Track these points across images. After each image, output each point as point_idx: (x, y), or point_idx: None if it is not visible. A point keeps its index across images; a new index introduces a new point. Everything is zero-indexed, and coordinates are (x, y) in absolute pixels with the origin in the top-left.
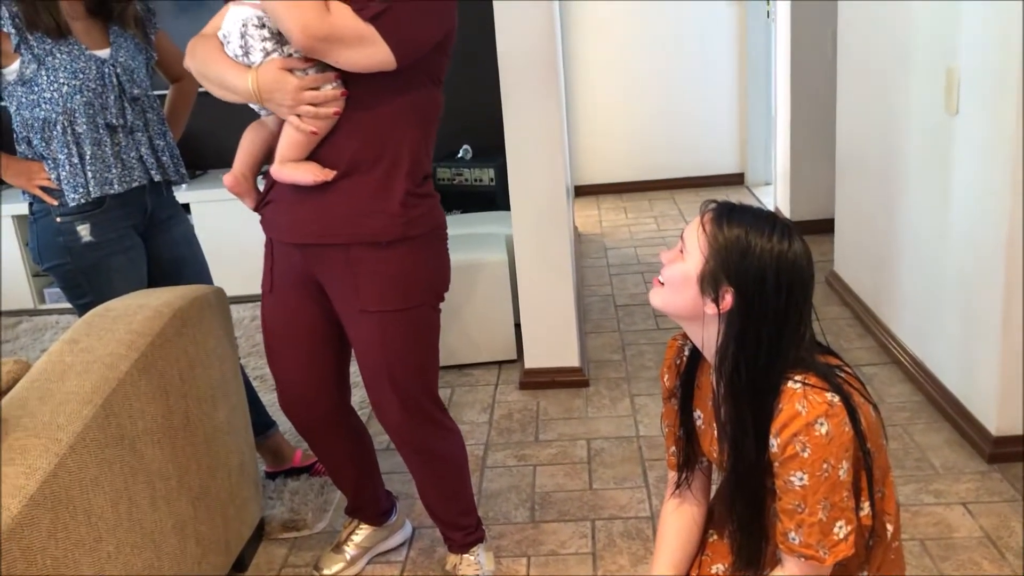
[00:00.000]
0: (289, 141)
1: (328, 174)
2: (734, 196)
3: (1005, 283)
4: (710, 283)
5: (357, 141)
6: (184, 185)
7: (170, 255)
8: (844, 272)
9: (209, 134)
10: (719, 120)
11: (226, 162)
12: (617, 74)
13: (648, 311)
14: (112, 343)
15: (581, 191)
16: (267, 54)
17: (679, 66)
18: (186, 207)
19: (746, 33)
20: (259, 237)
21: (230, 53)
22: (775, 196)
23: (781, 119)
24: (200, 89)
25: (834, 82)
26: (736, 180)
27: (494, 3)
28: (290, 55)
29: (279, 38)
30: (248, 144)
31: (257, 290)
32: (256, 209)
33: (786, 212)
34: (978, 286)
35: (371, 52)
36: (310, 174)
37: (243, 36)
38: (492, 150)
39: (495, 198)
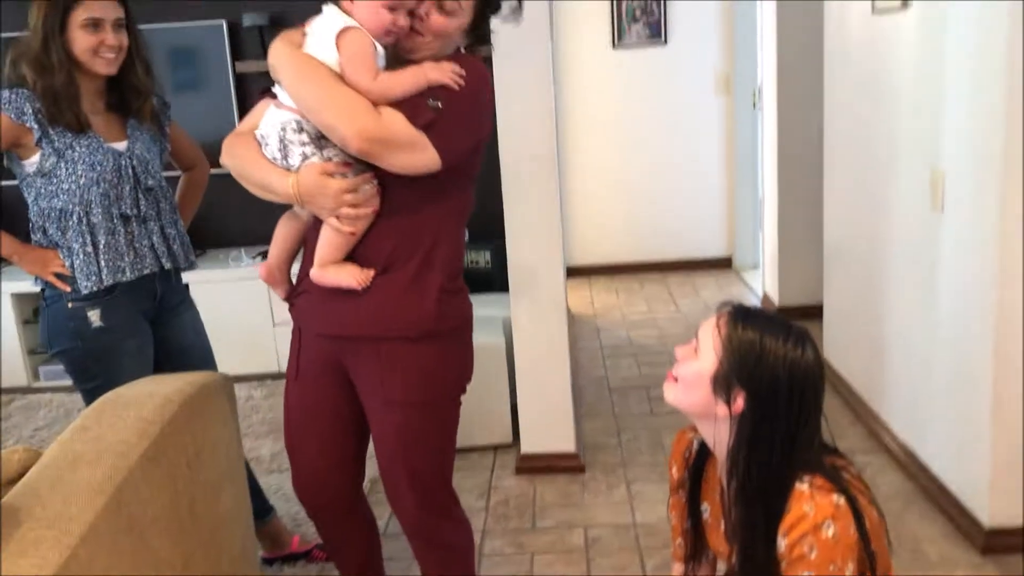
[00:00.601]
0: (329, 243)
1: (368, 277)
2: (722, 280)
3: (994, 377)
4: (723, 385)
5: (394, 239)
6: None
7: (177, 341)
8: (834, 359)
9: (207, 215)
10: (708, 205)
11: (224, 242)
12: (610, 158)
13: (642, 395)
14: (123, 431)
15: (573, 272)
16: (305, 158)
17: (669, 152)
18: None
19: (734, 121)
20: (255, 318)
21: (268, 155)
22: (763, 281)
23: (769, 205)
24: (213, 171)
25: (820, 170)
26: (724, 264)
27: (497, 100)
28: (329, 159)
29: (318, 142)
30: (282, 236)
31: (254, 370)
32: (287, 299)
33: (774, 297)
34: (968, 378)
35: (420, 157)
36: (352, 278)
37: (282, 140)
38: (488, 232)
39: (492, 280)
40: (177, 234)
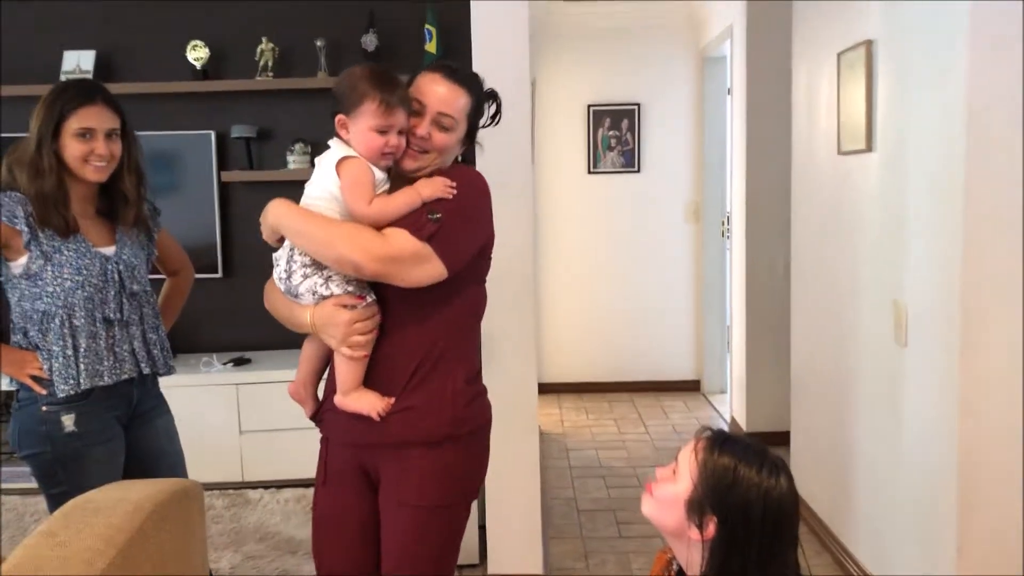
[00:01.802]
0: (345, 369)
1: (387, 406)
2: (691, 403)
3: (959, 509)
4: (696, 510)
5: (411, 350)
6: None
7: (148, 447)
8: (800, 486)
9: (179, 319)
10: (677, 328)
11: (195, 347)
12: (582, 279)
13: (610, 518)
14: (90, 537)
15: (543, 388)
16: (306, 277)
17: (640, 275)
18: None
19: (703, 248)
20: (222, 426)
21: (275, 275)
22: (730, 405)
23: (736, 331)
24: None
25: (787, 299)
26: (693, 387)
27: None
28: (328, 277)
29: (317, 263)
30: (307, 356)
31: (217, 478)
32: (312, 417)
33: (742, 422)
34: (934, 510)
35: (428, 268)
36: (372, 408)
37: (289, 261)
38: None
39: None
40: (158, 339)
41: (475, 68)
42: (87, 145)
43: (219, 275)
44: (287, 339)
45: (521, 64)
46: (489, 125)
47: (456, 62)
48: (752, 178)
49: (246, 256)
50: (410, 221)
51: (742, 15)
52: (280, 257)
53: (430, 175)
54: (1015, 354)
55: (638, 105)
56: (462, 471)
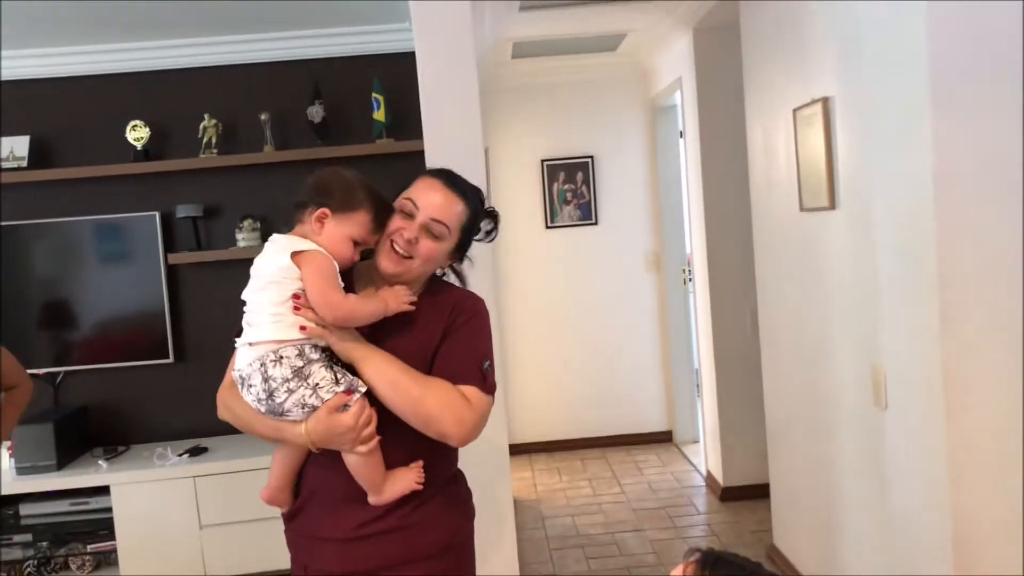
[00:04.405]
0: (362, 467)
1: (420, 472)
2: (664, 455)
3: (954, 568)
4: None
5: (413, 454)
6: (103, 464)
7: None
8: (784, 547)
9: (132, 407)
10: (645, 380)
11: (148, 436)
12: (545, 334)
13: None
14: None
15: (513, 449)
16: (291, 392)
17: (603, 327)
18: (106, 489)
19: (665, 296)
20: (180, 520)
21: (251, 397)
22: (705, 457)
23: (707, 381)
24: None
25: (756, 347)
26: (665, 438)
27: None
28: (316, 384)
29: (299, 373)
30: (280, 462)
31: (187, 572)
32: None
33: (718, 475)
34: (927, 570)
35: (488, 417)
36: (410, 483)
37: (266, 380)
38: None
39: None
40: None
41: (426, 131)
42: None
43: (170, 360)
44: None
45: (473, 125)
46: (483, 240)
47: (450, 169)
48: (711, 223)
49: (198, 339)
50: (471, 374)
51: (690, 65)
52: (249, 375)
53: (437, 290)
54: (1004, 415)
55: (591, 157)
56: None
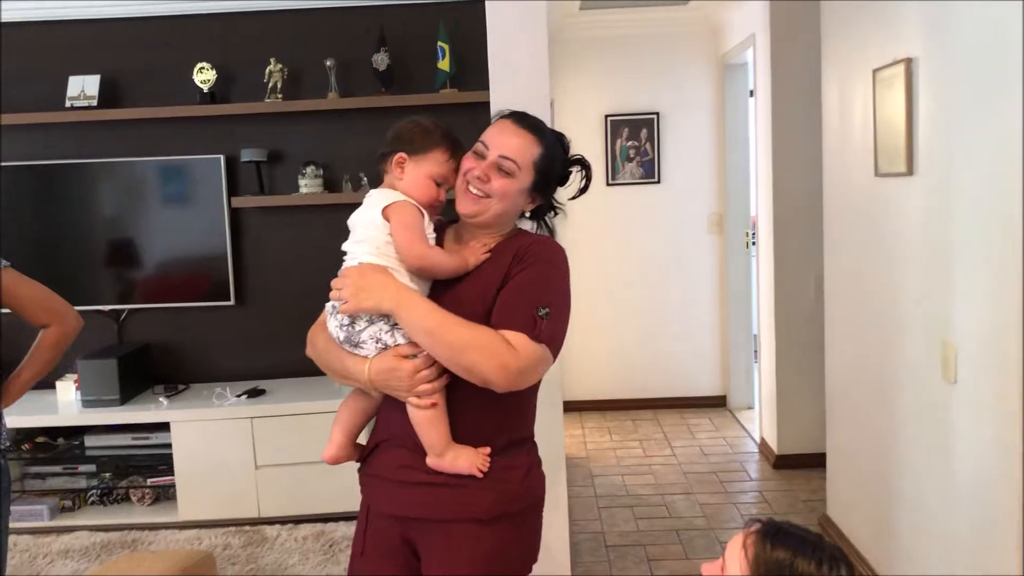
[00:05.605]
0: (423, 424)
1: (486, 462)
2: (717, 420)
3: (1022, 547)
4: None
5: (467, 419)
6: (164, 401)
7: None
8: (838, 518)
9: (191, 348)
10: (701, 343)
11: (207, 376)
12: (601, 295)
13: (641, 553)
14: None
15: (564, 407)
16: (371, 323)
17: (662, 287)
18: (166, 425)
19: (727, 259)
20: (237, 460)
21: (331, 324)
22: (759, 424)
23: (765, 346)
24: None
25: (819, 314)
26: (719, 403)
27: None
28: (395, 324)
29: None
30: (347, 415)
31: (233, 515)
32: (360, 459)
33: (772, 443)
34: (993, 549)
35: (543, 368)
36: (472, 466)
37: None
38: None
39: None
40: None
41: (492, 80)
42: None
43: (231, 303)
44: (301, 368)
45: (540, 76)
46: (576, 197)
47: (524, 111)
48: (779, 185)
49: (259, 283)
50: (521, 320)
51: (765, 23)
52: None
53: (513, 236)
54: None
55: (657, 114)
56: (512, 554)
